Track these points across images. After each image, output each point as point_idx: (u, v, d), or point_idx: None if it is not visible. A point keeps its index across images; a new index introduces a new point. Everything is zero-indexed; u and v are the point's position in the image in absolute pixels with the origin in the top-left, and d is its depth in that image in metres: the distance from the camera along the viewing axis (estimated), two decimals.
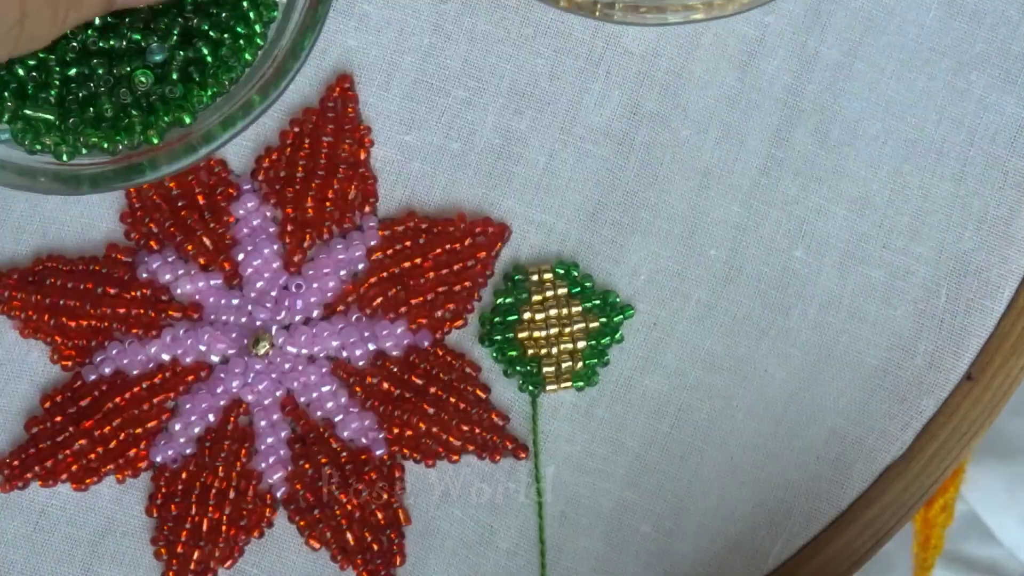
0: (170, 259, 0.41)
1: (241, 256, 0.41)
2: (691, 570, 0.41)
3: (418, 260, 0.41)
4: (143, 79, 0.37)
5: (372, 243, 0.41)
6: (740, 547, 0.41)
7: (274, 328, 0.40)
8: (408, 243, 0.41)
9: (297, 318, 0.41)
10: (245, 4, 0.38)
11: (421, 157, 0.42)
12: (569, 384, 0.41)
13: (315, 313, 0.41)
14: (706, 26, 0.41)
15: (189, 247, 0.41)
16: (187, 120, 0.38)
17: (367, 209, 0.41)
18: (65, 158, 0.37)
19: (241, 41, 0.38)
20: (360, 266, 0.41)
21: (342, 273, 0.41)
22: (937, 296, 0.42)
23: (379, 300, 0.41)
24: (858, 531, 0.41)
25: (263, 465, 0.40)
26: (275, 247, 0.41)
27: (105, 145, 0.38)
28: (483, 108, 0.42)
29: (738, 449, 0.41)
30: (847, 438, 0.41)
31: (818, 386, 0.41)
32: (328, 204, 0.41)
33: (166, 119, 0.38)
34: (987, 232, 0.42)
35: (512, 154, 0.42)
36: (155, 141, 0.38)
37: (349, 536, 0.40)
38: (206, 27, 0.38)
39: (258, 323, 0.40)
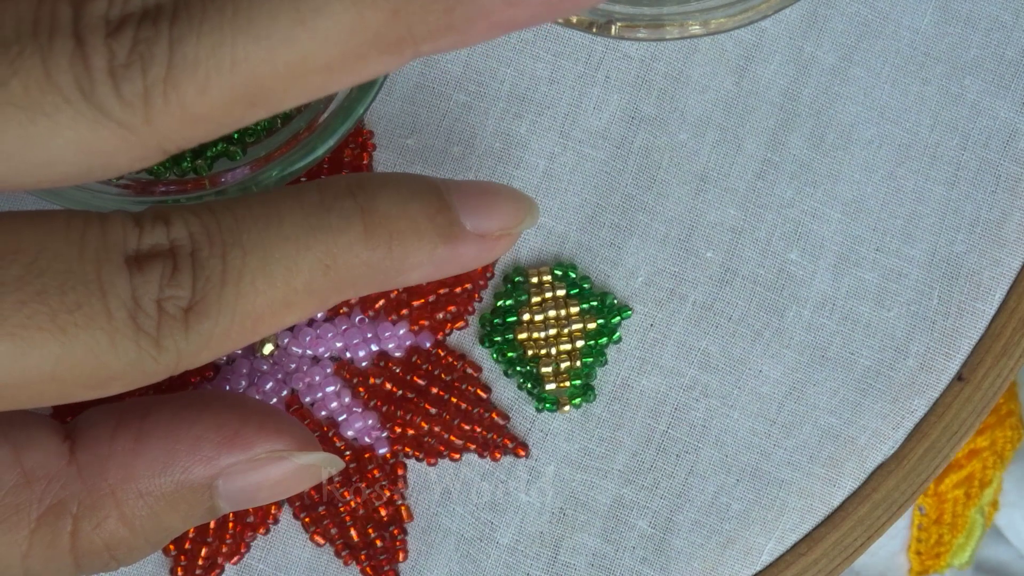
0: None
1: None
2: (686, 566, 0.45)
3: None
4: None
5: None
6: (734, 543, 0.45)
7: None
8: None
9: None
10: None
11: (423, 160, 0.45)
12: (567, 383, 0.45)
13: (319, 315, 0.45)
14: None
15: None
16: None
17: None
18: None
19: None
20: None
21: None
22: (929, 298, 0.45)
23: (381, 302, 0.45)
24: (850, 528, 0.45)
25: None
26: None
27: (152, 167, 0.41)
28: (483, 112, 0.45)
29: (733, 447, 0.45)
30: (840, 437, 0.45)
31: (811, 386, 0.45)
32: None
33: (215, 148, 0.41)
34: (979, 235, 0.45)
35: (512, 158, 0.45)
36: (203, 173, 0.41)
37: (353, 532, 0.44)
38: None
39: None
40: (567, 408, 0.44)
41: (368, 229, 0.34)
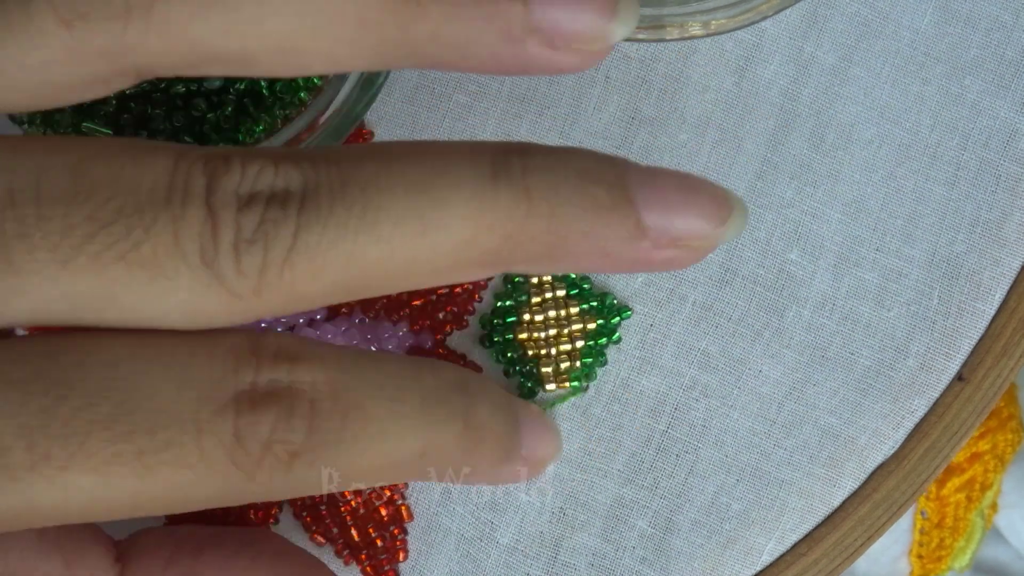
0: None
1: None
2: (686, 566, 0.45)
3: None
4: (202, 105, 0.41)
5: None
6: (734, 543, 0.45)
7: (279, 329, 0.45)
8: None
9: (301, 320, 0.45)
10: None
11: None
12: (567, 383, 0.45)
13: (319, 315, 0.45)
14: None
15: None
16: None
17: None
18: None
19: (300, 79, 0.42)
20: None
21: None
22: (929, 298, 0.46)
23: (382, 302, 0.45)
24: (850, 528, 0.45)
25: None
26: None
27: None
28: (484, 112, 0.46)
29: (733, 447, 0.45)
30: (840, 437, 0.45)
31: (812, 386, 0.45)
32: None
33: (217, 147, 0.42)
34: (979, 235, 0.46)
35: None
36: None
37: (353, 532, 0.45)
38: None
39: (263, 325, 0.45)
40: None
41: (465, 432, 0.35)
